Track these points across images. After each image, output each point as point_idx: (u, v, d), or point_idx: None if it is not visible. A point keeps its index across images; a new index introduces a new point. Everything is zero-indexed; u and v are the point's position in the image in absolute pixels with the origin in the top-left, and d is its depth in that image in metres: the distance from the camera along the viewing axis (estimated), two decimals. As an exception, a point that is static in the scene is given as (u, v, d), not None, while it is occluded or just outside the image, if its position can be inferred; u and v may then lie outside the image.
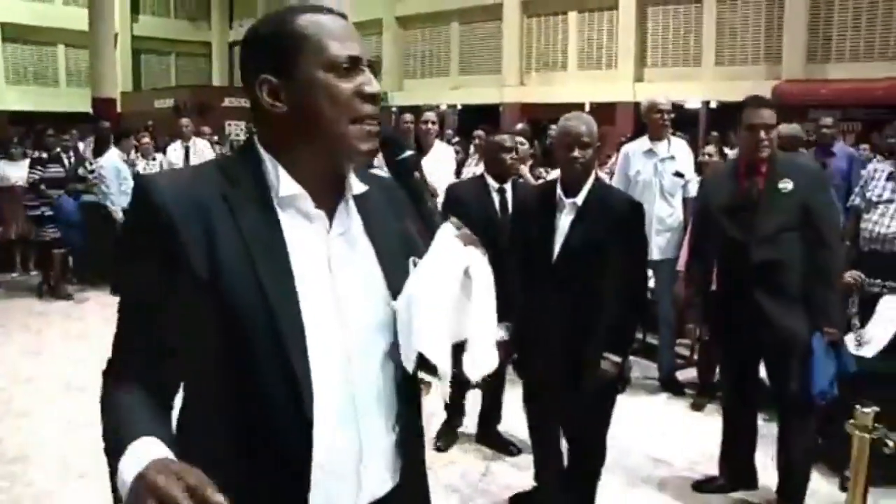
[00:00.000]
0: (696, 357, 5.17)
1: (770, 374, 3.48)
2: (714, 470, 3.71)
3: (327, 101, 1.17)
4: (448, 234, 1.26)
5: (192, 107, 17.25)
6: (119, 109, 18.48)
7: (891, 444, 1.97)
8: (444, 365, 1.20)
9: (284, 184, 1.19)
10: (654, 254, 4.73)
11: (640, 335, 5.65)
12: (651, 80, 18.22)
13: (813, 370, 3.18)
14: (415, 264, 1.28)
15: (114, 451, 1.06)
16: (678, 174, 4.78)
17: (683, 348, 5.40)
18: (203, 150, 8.51)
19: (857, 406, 2.00)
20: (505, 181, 3.89)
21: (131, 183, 7.83)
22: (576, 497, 3.20)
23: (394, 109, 18.82)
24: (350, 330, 1.21)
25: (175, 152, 8.37)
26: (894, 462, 2.07)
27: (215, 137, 11.17)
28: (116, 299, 1.21)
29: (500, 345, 3.18)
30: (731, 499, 3.58)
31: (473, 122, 15.16)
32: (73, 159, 8.77)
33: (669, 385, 4.97)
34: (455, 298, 1.22)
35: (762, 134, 3.31)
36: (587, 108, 17.80)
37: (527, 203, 3.30)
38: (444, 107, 22.13)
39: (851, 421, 2.00)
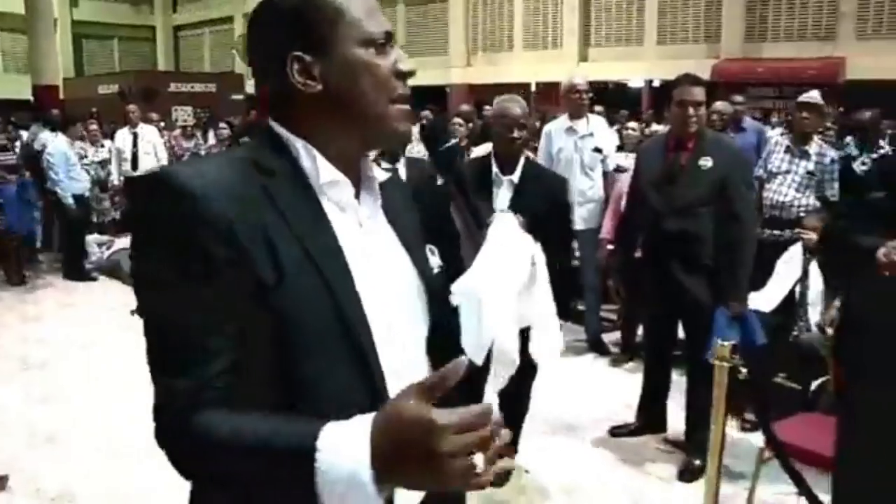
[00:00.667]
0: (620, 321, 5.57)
1: (685, 334, 3.83)
2: (631, 418, 4.10)
3: (368, 81, 1.09)
4: (511, 223, 1.32)
5: (137, 92, 17.04)
6: (62, 96, 18.23)
7: (744, 371, 2.35)
8: (515, 353, 1.23)
9: (325, 170, 1.09)
10: (578, 224, 5.08)
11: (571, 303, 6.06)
12: (595, 59, 18.61)
13: (712, 336, 3.50)
14: (433, 253, 1.25)
15: (288, 457, 0.92)
16: (597, 150, 5.13)
17: (611, 313, 5.78)
18: (151, 137, 8.64)
19: (719, 340, 2.38)
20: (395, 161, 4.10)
21: (79, 169, 7.98)
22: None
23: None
24: (392, 326, 1.13)
25: (123, 139, 8.49)
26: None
27: (162, 123, 11.20)
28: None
29: None
30: (642, 441, 3.97)
31: (421, 103, 15.42)
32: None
33: (595, 346, 5.37)
34: (524, 286, 1.24)
35: (691, 110, 3.50)
36: (533, 87, 18.15)
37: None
38: (391, 88, 22.31)
39: (713, 353, 2.38)
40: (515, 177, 3.23)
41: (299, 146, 1.10)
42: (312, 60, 1.07)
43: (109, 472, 3.66)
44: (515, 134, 3.16)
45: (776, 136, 5.27)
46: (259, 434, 0.95)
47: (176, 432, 1.00)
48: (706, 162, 3.50)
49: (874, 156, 2.28)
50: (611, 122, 9.40)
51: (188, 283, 0.99)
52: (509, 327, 1.26)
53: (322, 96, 1.07)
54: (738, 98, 6.58)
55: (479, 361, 1.23)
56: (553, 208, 3.22)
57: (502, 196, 3.23)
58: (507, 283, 1.23)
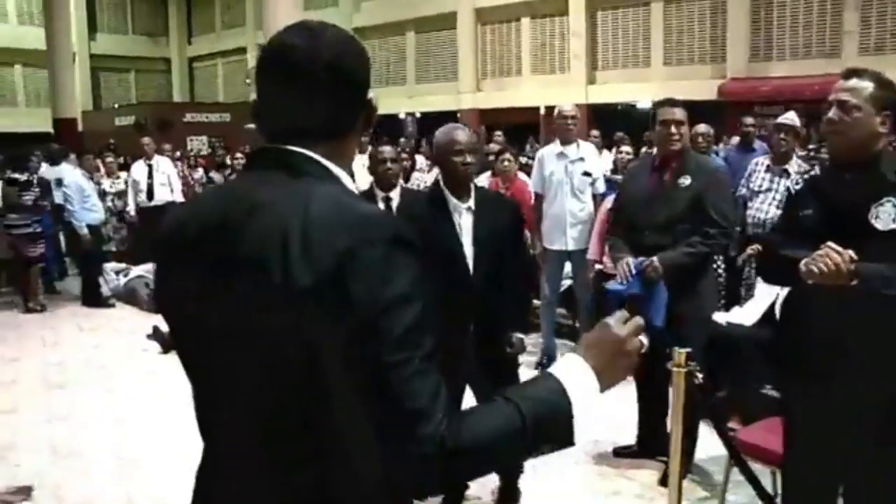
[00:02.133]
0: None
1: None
2: (619, 433, 4.20)
3: None
4: None
5: (153, 123, 17.45)
6: (80, 128, 18.71)
7: (700, 376, 2.55)
8: None
9: None
10: (570, 245, 5.33)
11: (568, 320, 6.26)
12: (602, 81, 18.87)
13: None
14: None
15: (553, 421, 1.13)
16: (586, 174, 5.34)
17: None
18: (165, 168, 8.94)
19: (676, 348, 2.58)
20: (388, 189, 4.13)
21: (94, 200, 8.32)
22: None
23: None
24: None
25: (139, 170, 8.81)
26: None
27: (177, 154, 11.54)
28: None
29: None
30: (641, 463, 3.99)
31: (432, 129, 15.65)
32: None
33: (589, 361, 5.52)
34: None
35: (673, 129, 3.61)
36: (542, 111, 18.40)
37: (416, 208, 3.53)
38: (402, 115, 22.67)
39: (671, 361, 2.58)
40: (472, 202, 3.29)
41: (343, 176, 1.26)
42: None
43: (125, 482, 3.90)
44: (468, 159, 3.20)
45: (758, 157, 5.48)
46: (522, 415, 1.09)
47: (449, 442, 1.05)
48: (685, 180, 3.62)
49: (805, 175, 2.44)
50: (610, 144, 9.68)
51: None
52: None
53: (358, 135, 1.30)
54: (748, 120, 6.84)
55: None
56: (509, 228, 3.37)
57: (465, 222, 3.28)
58: None
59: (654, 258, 3.54)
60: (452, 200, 3.27)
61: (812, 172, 2.56)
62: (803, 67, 15.41)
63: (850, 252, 2.15)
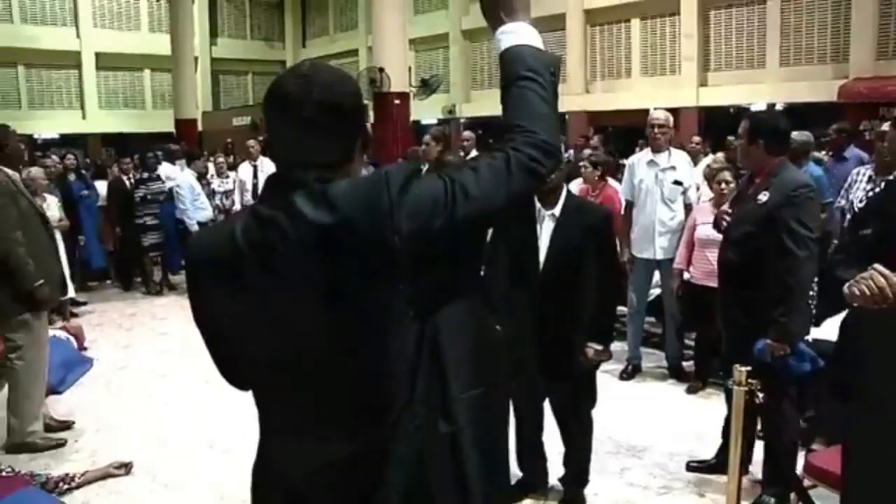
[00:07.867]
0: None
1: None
2: (701, 442, 4.15)
3: None
4: None
5: (268, 124, 18.08)
6: (200, 128, 19.71)
7: (761, 395, 2.51)
8: None
9: None
10: (659, 254, 5.25)
11: (657, 329, 6.15)
12: (715, 83, 18.32)
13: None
14: None
15: None
16: (677, 182, 5.23)
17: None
18: (270, 169, 9.24)
19: (736, 366, 2.54)
20: None
21: (203, 199, 8.90)
22: (572, 472, 3.62)
23: (462, 120, 19.52)
24: None
25: (245, 171, 9.21)
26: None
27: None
28: None
29: None
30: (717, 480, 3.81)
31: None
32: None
33: (675, 372, 5.42)
34: None
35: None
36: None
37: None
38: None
39: (731, 379, 2.55)
40: (557, 210, 3.32)
41: None
42: None
43: (215, 466, 4.16)
44: None
45: (862, 167, 5.22)
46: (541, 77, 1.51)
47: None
48: (763, 196, 3.42)
49: (870, 193, 2.23)
50: (719, 149, 9.39)
51: None
52: None
53: None
54: (835, 126, 6.50)
55: None
56: (594, 240, 3.32)
57: (546, 228, 3.34)
58: None
59: (772, 342, 3.34)
60: (538, 206, 3.36)
61: (876, 189, 2.39)
62: (939, 65, 14.51)
63: None
